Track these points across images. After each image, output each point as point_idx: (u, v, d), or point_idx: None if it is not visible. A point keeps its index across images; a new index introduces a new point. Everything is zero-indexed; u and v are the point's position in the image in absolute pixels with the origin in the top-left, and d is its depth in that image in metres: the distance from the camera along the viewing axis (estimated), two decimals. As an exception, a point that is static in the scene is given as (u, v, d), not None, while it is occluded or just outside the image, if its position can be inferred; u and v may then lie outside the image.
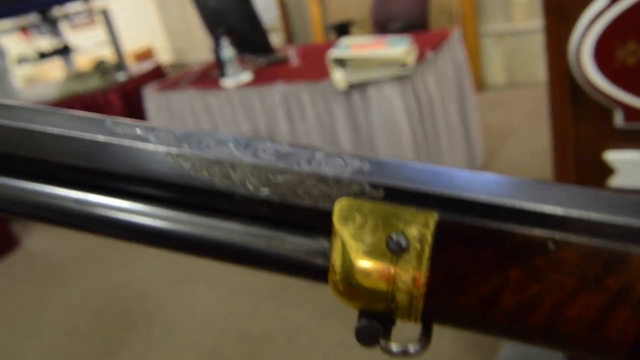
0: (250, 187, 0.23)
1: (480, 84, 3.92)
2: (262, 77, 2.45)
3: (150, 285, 2.42)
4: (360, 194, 0.22)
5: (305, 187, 0.22)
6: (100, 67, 3.33)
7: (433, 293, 0.21)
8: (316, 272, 0.24)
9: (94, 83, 3.22)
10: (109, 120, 0.25)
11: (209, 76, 2.69)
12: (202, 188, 0.23)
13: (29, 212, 0.26)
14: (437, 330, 0.24)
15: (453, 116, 2.41)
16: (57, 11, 3.61)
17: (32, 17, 3.63)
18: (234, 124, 2.48)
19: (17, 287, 2.72)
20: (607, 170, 1.07)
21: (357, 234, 0.22)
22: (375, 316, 0.23)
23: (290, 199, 0.23)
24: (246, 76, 2.47)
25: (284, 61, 2.64)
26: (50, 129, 0.25)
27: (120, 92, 3.16)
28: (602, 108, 1.03)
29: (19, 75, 4.88)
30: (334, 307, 2.02)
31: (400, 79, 2.08)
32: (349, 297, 0.22)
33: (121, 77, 3.33)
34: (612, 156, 1.06)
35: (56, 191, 0.25)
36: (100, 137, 0.24)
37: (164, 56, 5.21)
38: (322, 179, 0.22)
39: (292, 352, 1.83)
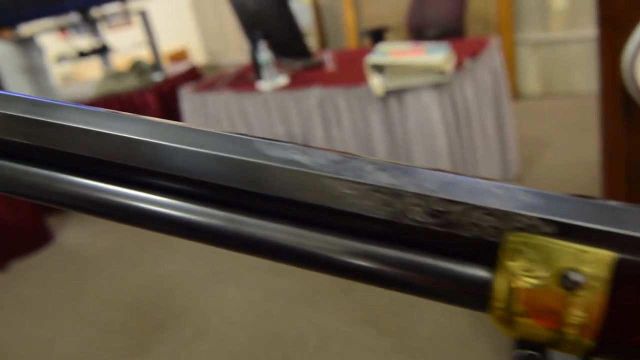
0: (414, 216, 0.23)
1: (515, 93, 3.88)
2: (298, 81, 2.47)
3: (182, 283, 2.45)
4: (530, 228, 0.22)
5: (470, 218, 0.22)
6: (137, 67, 3.38)
7: (605, 331, 0.21)
8: (473, 300, 0.23)
9: (131, 83, 3.27)
10: (260, 140, 0.25)
11: (244, 78, 2.72)
12: (361, 215, 0.23)
13: (183, 232, 0.26)
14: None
15: (489, 125, 2.39)
16: (95, 12, 3.68)
17: (71, 17, 3.71)
18: (269, 127, 2.49)
19: (52, 280, 2.78)
20: (658, 185, 1.05)
21: (526, 268, 0.21)
22: (532, 345, 0.22)
23: (454, 229, 0.22)
24: (282, 79, 2.49)
25: (319, 65, 2.65)
26: (200, 150, 0.25)
27: (157, 92, 3.21)
28: (655, 121, 1.01)
29: (56, 73, 4.99)
30: (366, 313, 2.01)
31: (437, 86, 2.07)
32: (511, 327, 0.22)
33: (157, 77, 3.38)
34: (664, 170, 1.04)
35: (208, 211, 0.26)
36: (254, 160, 0.24)
37: (198, 57, 5.27)
38: (489, 212, 0.22)
39: (323, 357, 1.83)
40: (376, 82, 2.10)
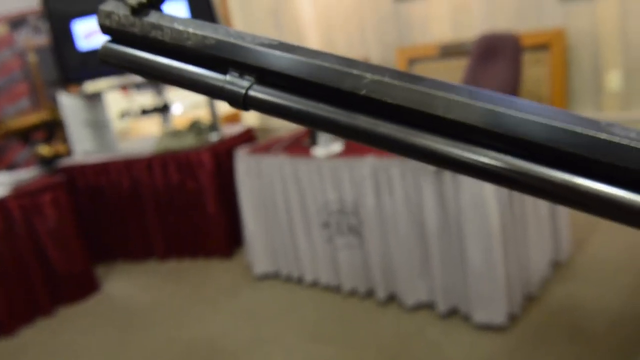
0: None
1: (566, 172, 3.85)
2: (352, 149, 2.52)
3: (225, 343, 2.44)
4: None
5: None
6: (195, 127, 3.52)
7: None
8: None
9: (189, 141, 3.39)
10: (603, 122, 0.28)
11: (300, 144, 2.79)
12: None
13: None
14: None
15: (542, 204, 2.38)
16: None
17: (135, 77, 3.92)
18: (320, 193, 2.54)
19: (97, 329, 2.82)
20: None
21: None
22: None
23: None
24: (337, 147, 2.55)
25: (374, 135, 2.70)
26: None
27: (212, 152, 3.31)
28: None
29: (115, 128, 5.20)
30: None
31: (493, 163, 2.08)
32: None
33: (214, 137, 3.50)
34: None
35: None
36: (602, 135, 0.27)
37: (250, 119, 5.44)
38: None
39: None
40: (431, 156, 2.12)
